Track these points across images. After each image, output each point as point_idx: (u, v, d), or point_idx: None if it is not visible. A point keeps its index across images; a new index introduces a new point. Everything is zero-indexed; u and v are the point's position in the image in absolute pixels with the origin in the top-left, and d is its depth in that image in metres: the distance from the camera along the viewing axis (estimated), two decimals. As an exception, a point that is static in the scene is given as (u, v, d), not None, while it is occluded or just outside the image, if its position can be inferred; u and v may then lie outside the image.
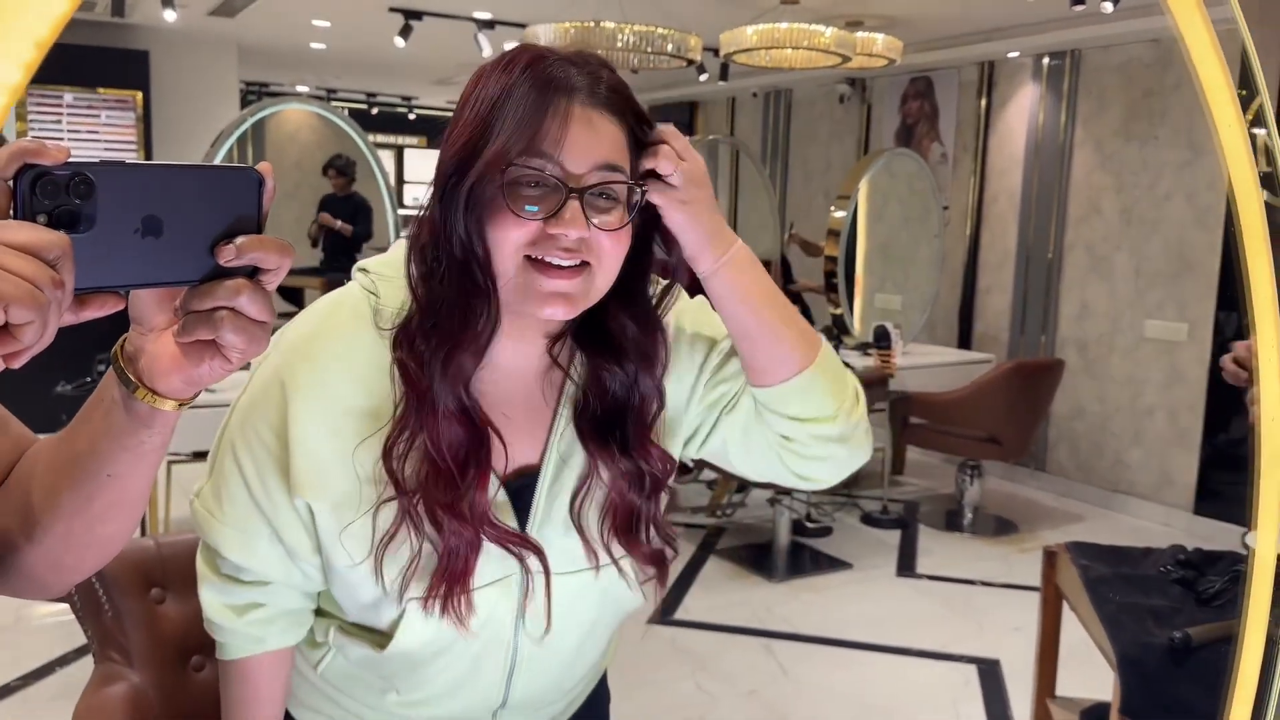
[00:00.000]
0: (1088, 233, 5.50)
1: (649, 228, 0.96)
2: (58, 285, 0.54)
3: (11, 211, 0.55)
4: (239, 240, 0.60)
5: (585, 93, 0.88)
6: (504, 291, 0.90)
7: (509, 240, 0.88)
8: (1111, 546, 1.87)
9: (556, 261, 0.88)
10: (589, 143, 0.87)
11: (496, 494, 0.98)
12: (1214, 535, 4.85)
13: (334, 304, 1.00)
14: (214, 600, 1.06)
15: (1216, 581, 1.65)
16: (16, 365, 0.56)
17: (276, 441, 0.96)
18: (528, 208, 0.86)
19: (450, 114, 0.94)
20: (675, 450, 1.07)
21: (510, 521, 0.99)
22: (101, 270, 0.57)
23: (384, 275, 0.98)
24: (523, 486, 1.00)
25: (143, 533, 3.23)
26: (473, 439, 0.93)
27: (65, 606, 1.60)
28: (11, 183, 0.55)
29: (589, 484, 1.00)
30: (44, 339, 0.55)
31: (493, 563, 0.98)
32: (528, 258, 0.88)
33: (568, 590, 1.02)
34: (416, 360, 0.92)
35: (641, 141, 0.92)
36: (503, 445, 0.97)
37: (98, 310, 0.60)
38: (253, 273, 0.62)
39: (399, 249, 0.98)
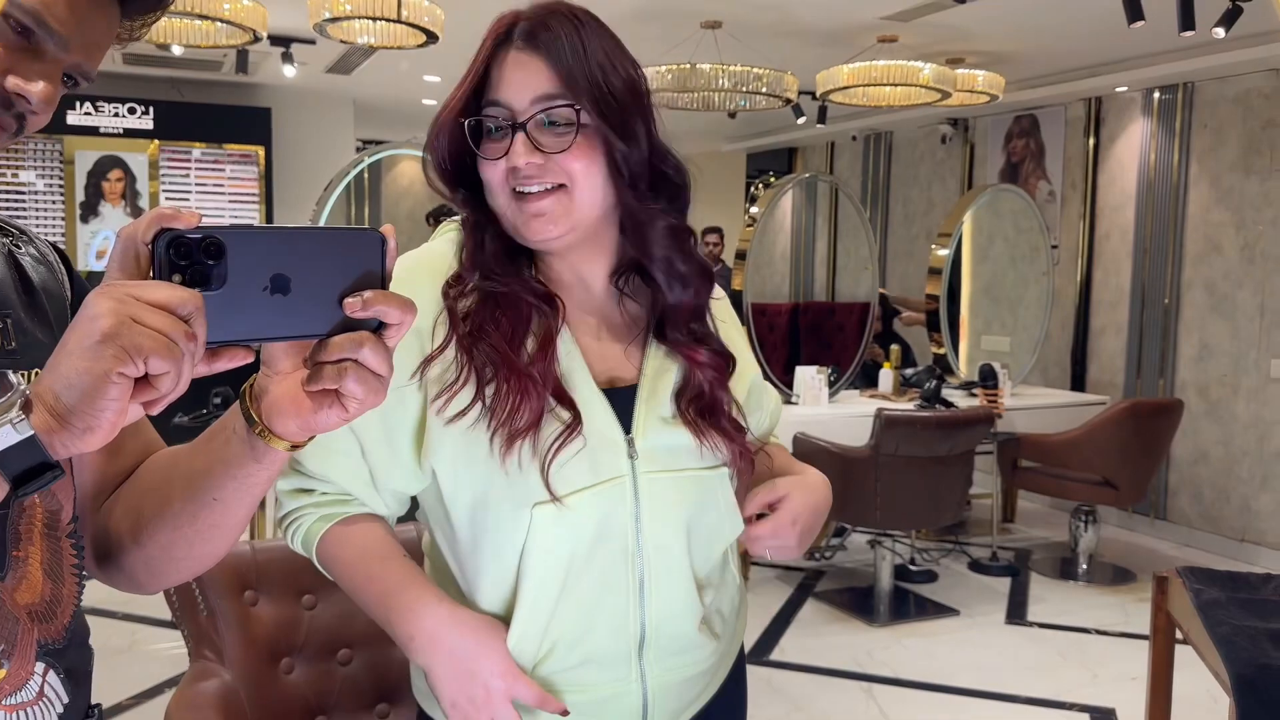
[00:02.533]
0: (1207, 270, 5.28)
1: (659, 163, 1.06)
2: (191, 339, 0.59)
3: (151, 272, 0.61)
4: (365, 294, 0.65)
5: (522, 37, 1.01)
6: (505, 224, 1.05)
7: (491, 180, 1.02)
8: (1228, 572, 1.75)
9: (525, 189, 1.00)
10: (523, 81, 1.00)
11: (593, 401, 1.05)
12: (1355, 588, 4.52)
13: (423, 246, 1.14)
14: (286, 485, 1.08)
15: (1346, 610, 1.53)
16: (154, 412, 0.61)
17: None
18: (490, 149, 1.01)
19: None
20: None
21: (614, 427, 1.05)
22: (232, 325, 0.62)
23: None
24: (621, 394, 1.07)
25: (250, 558, 3.33)
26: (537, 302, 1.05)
27: (178, 635, 1.65)
28: (150, 246, 0.61)
29: (689, 383, 1.09)
30: (179, 388, 0.60)
31: (603, 461, 1.03)
32: (513, 191, 1.01)
33: (678, 489, 1.06)
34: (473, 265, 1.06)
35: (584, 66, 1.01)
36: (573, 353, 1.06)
37: (229, 362, 0.65)
38: (377, 327, 0.66)
39: None
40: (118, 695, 3.16)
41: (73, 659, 0.81)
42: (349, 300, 0.64)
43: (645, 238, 1.07)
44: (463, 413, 1.00)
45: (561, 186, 1.01)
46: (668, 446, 1.06)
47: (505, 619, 1.04)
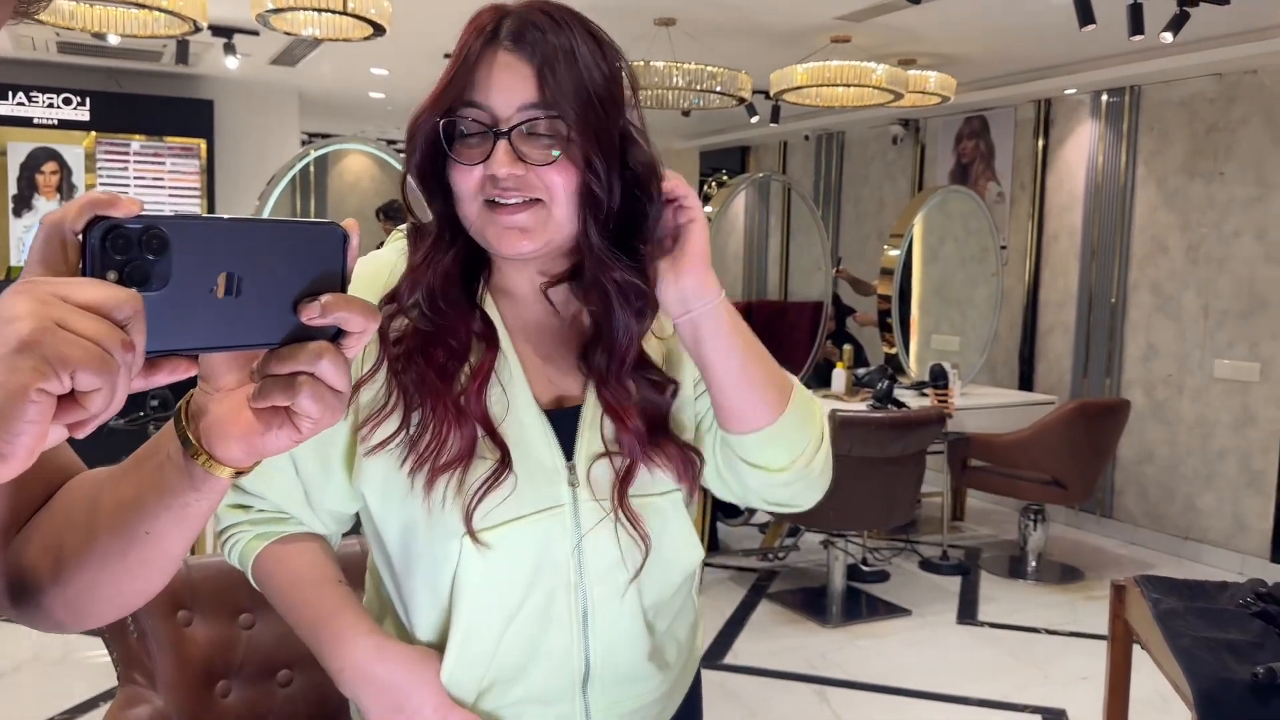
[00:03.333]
0: (1153, 272, 5.35)
1: (632, 185, 0.98)
2: (128, 348, 0.49)
3: (80, 267, 0.51)
4: (324, 299, 0.57)
5: (510, 38, 0.93)
6: (474, 233, 0.97)
7: (463, 187, 0.95)
8: (1185, 580, 1.75)
9: (502, 200, 0.93)
10: (511, 85, 0.92)
11: (532, 425, 1.00)
12: (1294, 585, 4.61)
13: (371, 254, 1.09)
14: (224, 500, 1.04)
15: (1301, 618, 1.53)
16: (80, 435, 0.51)
17: None
18: (466, 154, 0.94)
19: None
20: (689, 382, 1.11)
21: (553, 453, 0.99)
22: (175, 331, 0.53)
23: None
24: (565, 416, 1.02)
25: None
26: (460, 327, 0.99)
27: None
28: (81, 237, 0.51)
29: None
30: (112, 407, 0.50)
31: (539, 489, 0.98)
32: (485, 201, 0.94)
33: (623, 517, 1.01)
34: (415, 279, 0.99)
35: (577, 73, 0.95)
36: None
37: (169, 375, 0.56)
38: (335, 336, 0.58)
39: None
40: (51, 709, 3.04)
41: None
42: (306, 306, 0.56)
43: (599, 280, 0.98)
44: (384, 443, 0.96)
45: (538, 200, 0.94)
46: (609, 474, 1.01)
47: (441, 648, 0.99)
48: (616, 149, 0.96)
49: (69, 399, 0.49)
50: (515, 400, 1.00)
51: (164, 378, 0.55)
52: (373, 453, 0.97)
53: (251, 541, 1.03)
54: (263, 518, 1.04)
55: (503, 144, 0.92)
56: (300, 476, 1.01)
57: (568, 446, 1.00)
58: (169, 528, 0.67)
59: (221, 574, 1.56)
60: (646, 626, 1.05)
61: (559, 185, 0.94)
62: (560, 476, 0.99)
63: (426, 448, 0.95)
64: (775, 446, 1.01)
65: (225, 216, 0.55)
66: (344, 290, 0.58)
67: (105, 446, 0.77)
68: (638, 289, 0.97)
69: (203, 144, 6.37)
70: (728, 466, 1.06)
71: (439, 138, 0.94)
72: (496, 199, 0.93)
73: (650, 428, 1.02)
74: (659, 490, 1.03)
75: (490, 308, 1.02)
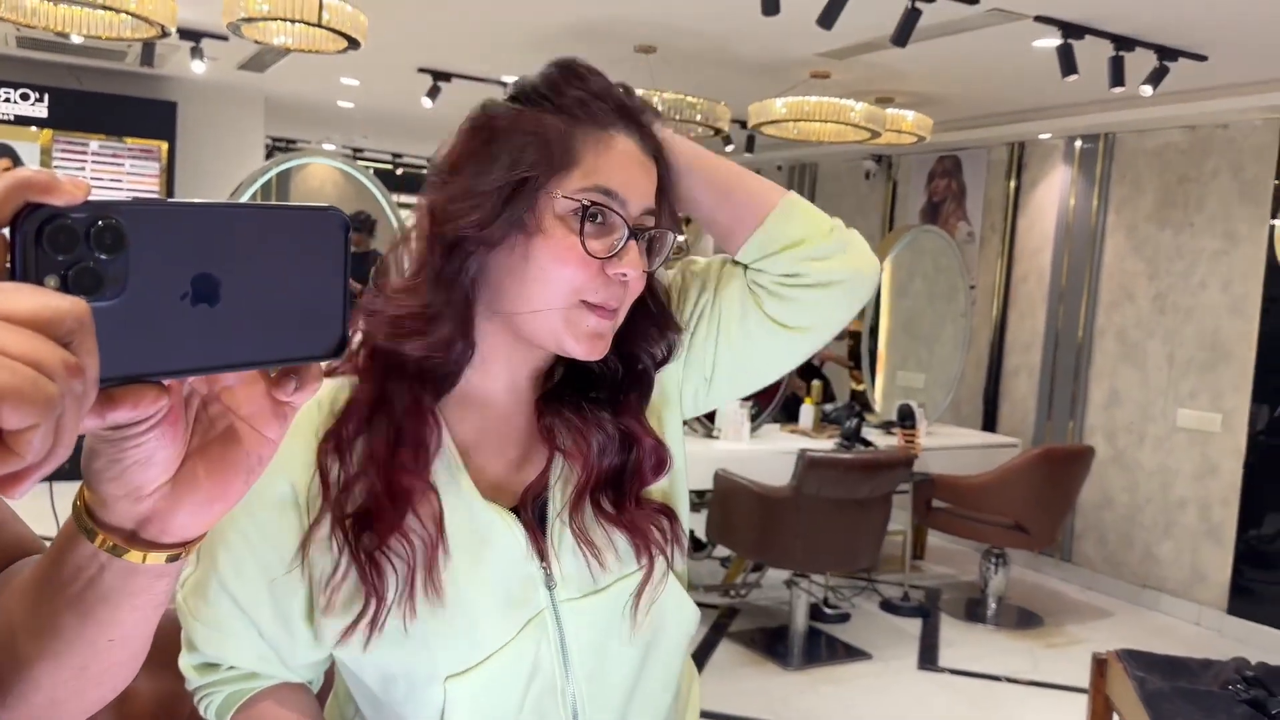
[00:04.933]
0: (1119, 318, 5.39)
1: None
2: (74, 373, 0.38)
3: (8, 268, 0.39)
4: (303, 372, 0.49)
5: (648, 132, 0.89)
6: (536, 328, 0.87)
7: (566, 277, 0.84)
8: (1167, 656, 1.72)
9: (609, 304, 0.86)
10: (645, 184, 0.88)
11: (505, 534, 0.90)
12: (1249, 637, 4.65)
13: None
14: (189, 661, 0.94)
15: (1287, 702, 1.50)
16: (15, 495, 0.39)
17: (259, 534, 0.88)
18: (595, 244, 0.84)
19: None
20: (677, 420, 1.04)
21: (527, 557, 0.90)
22: (135, 351, 0.42)
23: None
24: (536, 506, 0.94)
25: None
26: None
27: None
28: (11, 231, 0.39)
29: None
30: (57, 452, 0.38)
31: (517, 608, 0.90)
32: (581, 301, 0.85)
33: (606, 608, 0.93)
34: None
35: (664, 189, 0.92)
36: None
37: (131, 409, 0.44)
38: (338, 350, 0.50)
39: None
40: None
41: None
42: (283, 383, 0.49)
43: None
44: (352, 623, 0.86)
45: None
46: (586, 564, 0.93)
47: None
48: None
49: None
50: (477, 521, 0.90)
51: (124, 413, 0.44)
52: (333, 616, 0.88)
53: (227, 699, 0.93)
54: (234, 675, 0.94)
55: (635, 244, 0.85)
56: (266, 641, 0.91)
57: (540, 543, 0.92)
58: (135, 627, 0.57)
59: (168, 622, 1.49)
60: (641, 701, 0.98)
61: (635, 293, 0.89)
62: (536, 580, 0.91)
63: (390, 617, 0.86)
64: (804, 210, 1.00)
65: (197, 201, 0.44)
66: (347, 291, 0.49)
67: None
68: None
69: (164, 146, 6.22)
70: (764, 316, 1.00)
71: (526, 215, 0.83)
72: (601, 302, 0.85)
73: (619, 495, 0.94)
74: (638, 567, 0.94)
75: (445, 434, 0.91)
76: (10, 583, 0.64)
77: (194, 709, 1.48)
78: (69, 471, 0.52)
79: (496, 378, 0.93)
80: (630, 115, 0.88)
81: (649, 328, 0.95)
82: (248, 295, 0.45)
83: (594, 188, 0.84)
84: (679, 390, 1.03)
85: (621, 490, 0.95)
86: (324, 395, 0.90)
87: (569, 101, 0.86)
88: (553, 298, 0.85)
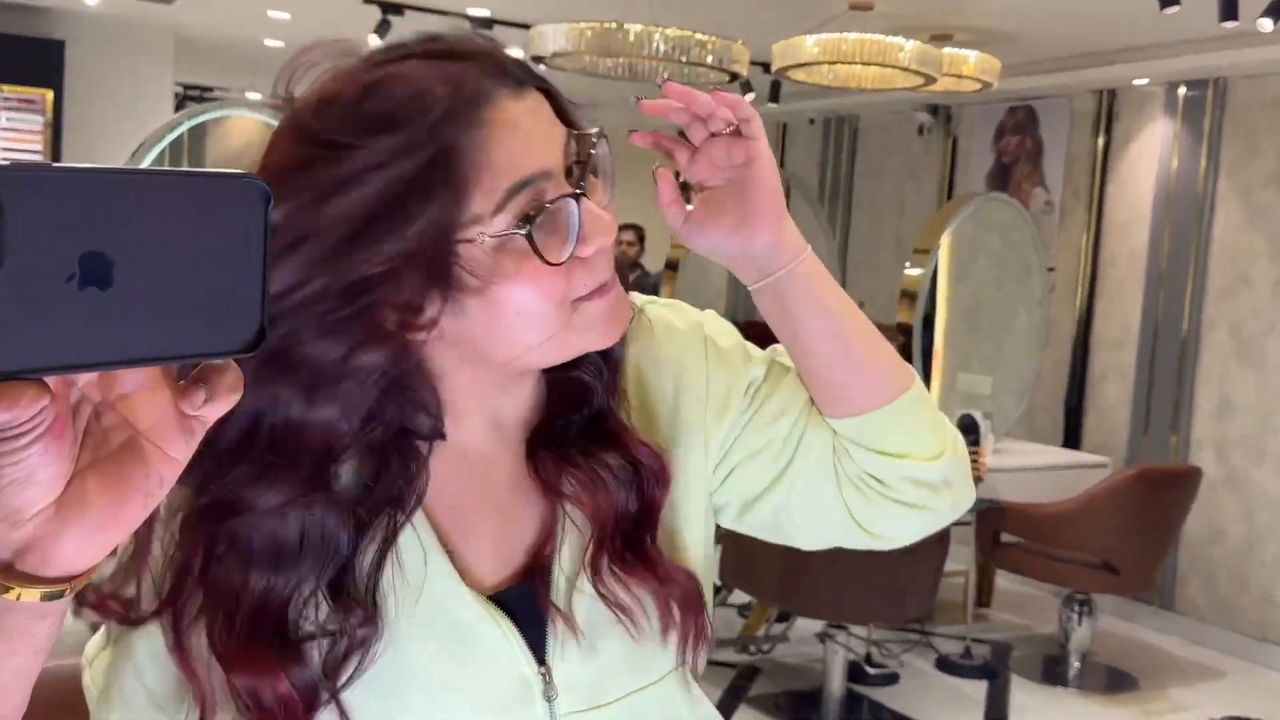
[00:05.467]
0: (1233, 308, 5.41)
1: None
2: None
3: None
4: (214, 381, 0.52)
5: (511, 81, 0.85)
6: (542, 358, 0.90)
7: (551, 294, 0.84)
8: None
9: (603, 278, 0.88)
10: (552, 133, 0.86)
11: (490, 635, 0.91)
12: (1394, 703, 4.67)
13: None
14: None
15: None
16: None
17: None
18: (553, 248, 0.83)
19: None
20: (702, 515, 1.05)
21: (520, 658, 0.91)
22: (13, 343, 0.44)
23: None
24: (523, 596, 0.93)
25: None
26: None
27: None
28: None
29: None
30: None
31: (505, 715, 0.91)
32: (574, 300, 0.86)
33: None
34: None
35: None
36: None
37: (6, 411, 0.47)
38: (256, 343, 0.52)
39: None
40: None
41: None
42: (192, 393, 0.52)
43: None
44: None
45: None
46: (594, 671, 0.94)
47: None
48: None
49: None
50: (452, 617, 0.91)
51: (2, 412, 0.46)
52: None
53: None
54: None
55: (587, 205, 0.85)
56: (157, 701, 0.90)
57: (538, 646, 0.92)
58: (12, 678, 0.58)
59: (64, 681, 1.51)
60: None
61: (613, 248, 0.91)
62: (534, 688, 0.92)
63: None
64: (923, 420, 1.01)
65: (89, 166, 0.46)
66: (265, 279, 0.51)
67: None
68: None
69: (48, 95, 6.30)
70: (833, 494, 1.03)
71: (444, 247, 0.82)
72: (594, 287, 0.87)
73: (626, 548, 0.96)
74: (653, 678, 0.96)
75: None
76: None
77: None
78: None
79: (471, 427, 0.94)
80: (473, 60, 0.86)
81: None
82: (147, 278, 0.47)
83: (510, 190, 0.82)
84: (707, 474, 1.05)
85: (639, 529, 0.96)
86: None
87: (415, 113, 0.82)
88: (546, 325, 0.86)
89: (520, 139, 0.83)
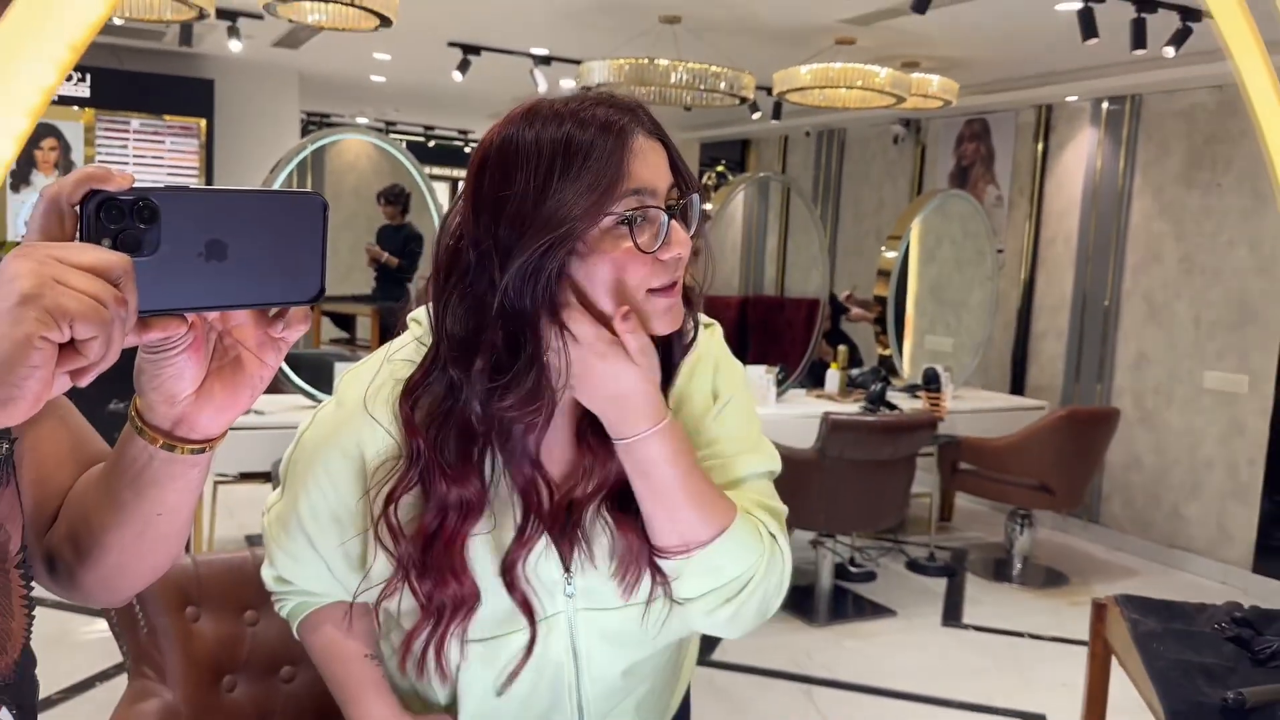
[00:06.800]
0: (1146, 280, 5.41)
1: None
2: (120, 303, 0.55)
3: (77, 236, 0.58)
4: (291, 314, 0.68)
5: (645, 126, 0.94)
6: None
7: (632, 275, 0.91)
8: (1164, 601, 1.81)
9: (673, 281, 0.94)
10: (662, 167, 0.94)
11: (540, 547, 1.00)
12: (1274, 594, 4.70)
13: (388, 354, 1.05)
14: (267, 574, 1.13)
15: (1274, 642, 1.58)
16: (83, 383, 0.57)
17: (332, 488, 1.02)
18: (644, 241, 0.91)
19: None
20: None
21: (552, 564, 1.01)
22: (165, 293, 0.59)
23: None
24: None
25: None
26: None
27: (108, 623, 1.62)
28: (78, 208, 0.58)
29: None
30: (108, 356, 0.56)
31: (540, 599, 1.02)
32: (649, 290, 0.93)
33: (621, 623, 1.04)
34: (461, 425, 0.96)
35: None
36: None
37: (161, 332, 0.63)
38: (317, 297, 0.66)
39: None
40: (47, 689, 3.08)
41: (24, 693, 0.78)
42: (275, 326, 0.68)
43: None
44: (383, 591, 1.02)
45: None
46: (606, 584, 1.03)
47: (451, 709, 1.08)
48: None
49: (69, 349, 0.55)
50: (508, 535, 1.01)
51: (157, 334, 0.62)
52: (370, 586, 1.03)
53: (296, 606, 1.13)
54: (303, 589, 1.12)
55: (675, 224, 0.93)
56: (332, 572, 1.06)
57: (565, 554, 1.01)
58: (178, 501, 0.76)
59: (227, 570, 1.61)
60: (643, 707, 1.12)
61: (685, 264, 0.97)
62: (556, 588, 1.02)
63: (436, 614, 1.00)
64: (695, 579, 0.99)
65: (211, 188, 0.63)
66: (323, 258, 0.66)
67: (111, 427, 0.83)
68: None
69: (202, 123, 6.36)
70: None
71: (576, 235, 0.89)
72: (664, 284, 0.93)
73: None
74: (641, 599, 1.02)
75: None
76: (90, 477, 0.85)
77: (252, 647, 1.62)
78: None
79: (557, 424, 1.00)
80: (628, 110, 0.94)
81: None
82: (249, 255, 0.62)
83: (628, 194, 0.90)
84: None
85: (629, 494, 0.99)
86: (398, 374, 1.00)
87: (567, 132, 0.91)
88: (618, 299, 0.92)
89: (647, 165, 0.92)
